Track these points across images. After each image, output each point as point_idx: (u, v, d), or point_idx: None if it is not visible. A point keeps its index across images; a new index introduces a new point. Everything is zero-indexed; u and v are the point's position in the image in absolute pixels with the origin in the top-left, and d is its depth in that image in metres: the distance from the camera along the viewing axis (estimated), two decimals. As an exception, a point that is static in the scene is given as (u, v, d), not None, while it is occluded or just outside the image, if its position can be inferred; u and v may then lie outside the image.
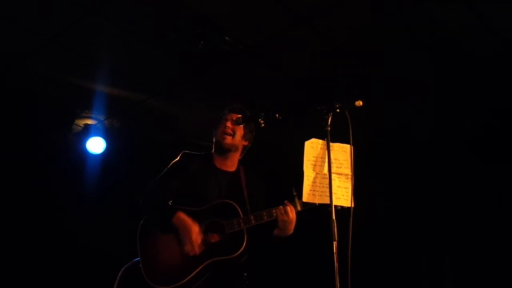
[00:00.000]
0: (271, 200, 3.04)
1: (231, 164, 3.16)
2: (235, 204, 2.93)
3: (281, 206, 2.88)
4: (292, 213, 2.86)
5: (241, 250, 2.80)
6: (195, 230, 2.80)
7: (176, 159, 3.10)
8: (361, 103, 2.46)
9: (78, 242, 5.60)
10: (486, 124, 5.25)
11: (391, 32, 3.97)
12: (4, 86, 4.91)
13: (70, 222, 5.63)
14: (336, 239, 2.28)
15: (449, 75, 4.54)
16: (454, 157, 5.60)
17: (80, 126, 5.83)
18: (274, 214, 2.87)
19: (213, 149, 3.17)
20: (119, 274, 2.91)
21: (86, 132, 5.80)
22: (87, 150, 5.78)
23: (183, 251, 2.81)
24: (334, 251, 2.25)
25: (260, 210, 2.92)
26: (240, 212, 2.91)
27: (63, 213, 5.64)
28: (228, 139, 3.07)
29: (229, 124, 3.09)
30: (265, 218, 2.88)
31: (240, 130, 3.11)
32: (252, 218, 2.88)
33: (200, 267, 2.77)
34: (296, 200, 2.90)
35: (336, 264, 2.23)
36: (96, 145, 5.79)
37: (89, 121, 5.77)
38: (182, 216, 2.84)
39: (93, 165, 5.86)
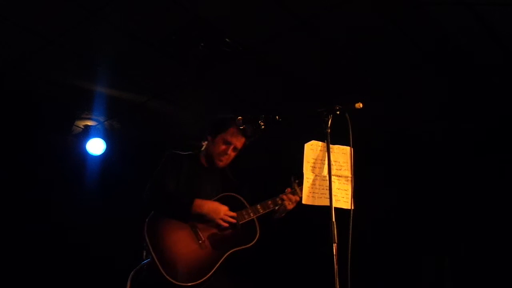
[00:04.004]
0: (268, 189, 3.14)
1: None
2: (239, 196, 3.03)
3: (289, 195, 3.03)
4: (297, 200, 3.04)
5: (257, 237, 2.93)
6: (223, 206, 2.86)
7: (166, 159, 3.09)
8: (361, 105, 2.46)
9: (78, 243, 5.60)
10: (488, 127, 5.25)
11: (391, 33, 3.97)
12: (4, 87, 4.91)
13: (70, 223, 5.63)
14: (336, 241, 2.28)
15: (449, 76, 4.55)
16: (454, 158, 5.61)
17: (80, 127, 5.84)
18: (279, 202, 3.01)
19: (202, 151, 3.18)
20: (129, 278, 2.82)
21: (86, 133, 5.80)
22: (87, 151, 5.78)
23: (200, 246, 2.82)
24: (334, 253, 2.25)
25: (248, 199, 3.04)
26: (246, 203, 3.01)
27: (62, 214, 5.63)
28: (223, 164, 3.12)
29: (231, 152, 3.08)
30: (271, 206, 3.02)
31: (236, 155, 3.13)
32: (259, 207, 3.00)
33: (222, 259, 2.81)
34: (296, 186, 3.07)
35: (336, 266, 2.23)
36: (96, 146, 5.79)
37: (89, 122, 5.77)
38: (202, 201, 2.85)
39: (93, 166, 5.86)
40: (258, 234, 2.94)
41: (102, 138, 5.82)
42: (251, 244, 2.91)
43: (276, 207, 3.03)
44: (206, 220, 2.85)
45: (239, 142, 3.07)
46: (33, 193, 5.52)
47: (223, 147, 3.06)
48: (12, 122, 5.26)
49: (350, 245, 2.29)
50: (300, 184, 3.10)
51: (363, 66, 4.45)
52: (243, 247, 2.89)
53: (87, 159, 5.85)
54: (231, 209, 2.94)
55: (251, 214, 2.97)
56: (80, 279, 5.54)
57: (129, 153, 6.01)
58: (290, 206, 3.03)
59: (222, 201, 2.97)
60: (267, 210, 3.01)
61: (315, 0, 3.61)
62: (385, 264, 5.74)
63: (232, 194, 3.04)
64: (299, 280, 6.10)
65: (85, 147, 5.77)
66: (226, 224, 2.87)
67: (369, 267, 5.34)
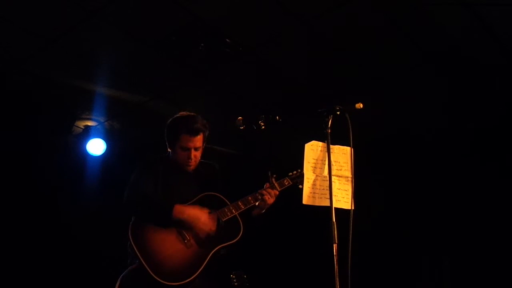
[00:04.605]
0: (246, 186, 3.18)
1: None
2: (218, 194, 3.09)
3: (268, 189, 3.07)
4: (276, 194, 3.10)
5: (241, 233, 2.97)
6: (204, 213, 2.89)
7: (144, 163, 3.12)
8: (361, 105, 2.47)
9: (78, 244, 5.60)
10: (488, 127, 5.25)
11: (391, 33, 3.97)
12: (5, 87, 4.90)
13: (70, 223, 5.63)
14: (336, 241, 2.28)
15: (449, 76, 4.55)
16: (454, 159, 5.60)
17: (80, 128, 5.83)
18: (259, 197, 3.07)
19: (170, 154, 3.17)
20: (118, 283, 2.82)
21: (86, 133, 5.80)
22: (87, 151, 5.78)
23: (186, 245, 2.85)
24: (334, 253, 2.26)
25: (224, 194, 3.10)
26: (227, 201, 3.05)
27: (63, 214, 5.63)
28: (193, 167, 3.13)
29: (193, 154, 3.06)
30: (252, 202, 3.08)
31: (201, 150, 3.12)
32: (240, 203, 3.06)
33: (209, 257, 2.84)
34: (274, 181, 3.13)
35: (336, 266, 2.24)
36: (96, 146, 5.79)
37: (90, 123, 5.77)
38: (182, 207, 2.87)
39: (93, 166, 5.86)
40: (242, 230, 2.99)
41: (103, 139, 5.82)
42: (236, 240, 2.95)
43: (257, 203, 3.08)
44: (187, 226, 2.86)
45: (197, 142, 3.05)
46: (34, 193, 5.51)
47: (183, 154, 3.06)
48: (12, 122, 5.25)
49: (350, 245, 2.29)
50: (278, 178, 3.17)
51: (363, 66, 4.45)
52: (229, 243, 2.94)
53: (87, 160, 5.85)
54: (212, 208, 2.99)
55: (233, 211, 3.01)
56: (80, 278, 5.54)
57: (129, 154, 6.01)
58: (270, 200, 3.07)
59: (203, 201, 3.01)
60: (248, 206, 3.06)
61: (315, 0, 3.61)
62: (385, 264, 5.74)
63: (212, 193, 3.08)
64: (300, 280, 6.10)
65: (85, 148, 5.76)
66: (207, 229, 2.88)
67: (369, 267, 5.34)
